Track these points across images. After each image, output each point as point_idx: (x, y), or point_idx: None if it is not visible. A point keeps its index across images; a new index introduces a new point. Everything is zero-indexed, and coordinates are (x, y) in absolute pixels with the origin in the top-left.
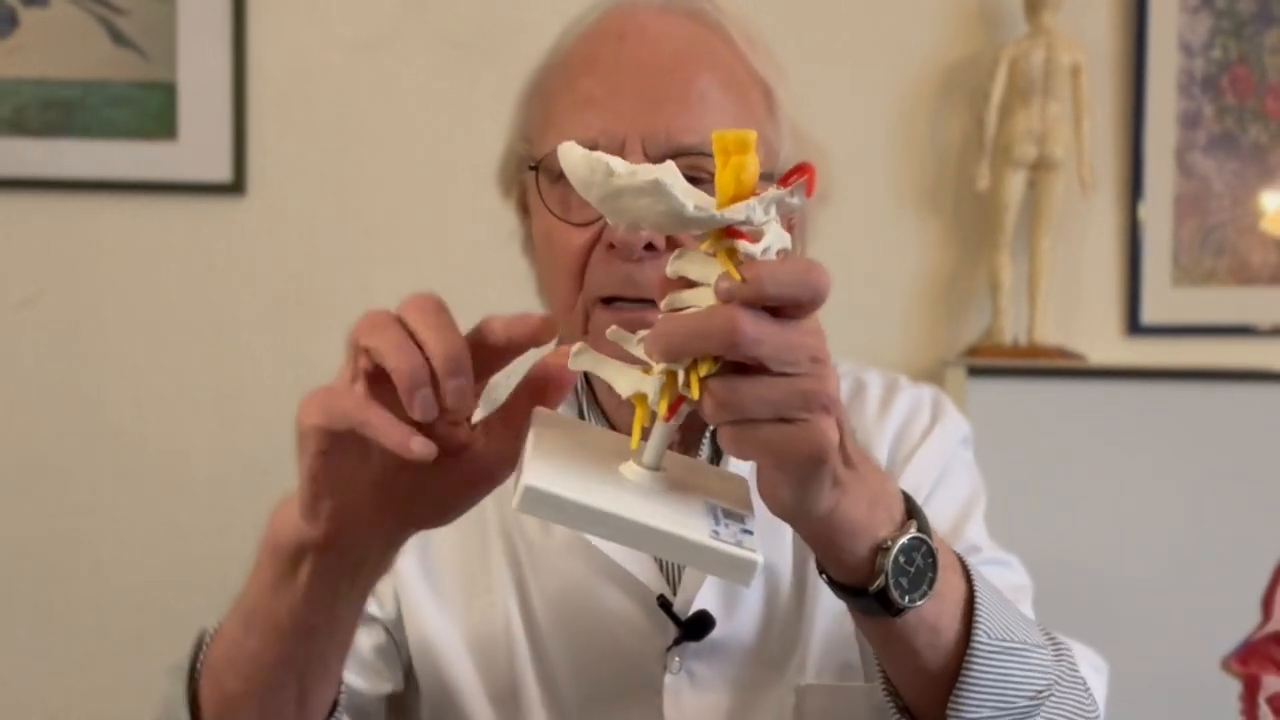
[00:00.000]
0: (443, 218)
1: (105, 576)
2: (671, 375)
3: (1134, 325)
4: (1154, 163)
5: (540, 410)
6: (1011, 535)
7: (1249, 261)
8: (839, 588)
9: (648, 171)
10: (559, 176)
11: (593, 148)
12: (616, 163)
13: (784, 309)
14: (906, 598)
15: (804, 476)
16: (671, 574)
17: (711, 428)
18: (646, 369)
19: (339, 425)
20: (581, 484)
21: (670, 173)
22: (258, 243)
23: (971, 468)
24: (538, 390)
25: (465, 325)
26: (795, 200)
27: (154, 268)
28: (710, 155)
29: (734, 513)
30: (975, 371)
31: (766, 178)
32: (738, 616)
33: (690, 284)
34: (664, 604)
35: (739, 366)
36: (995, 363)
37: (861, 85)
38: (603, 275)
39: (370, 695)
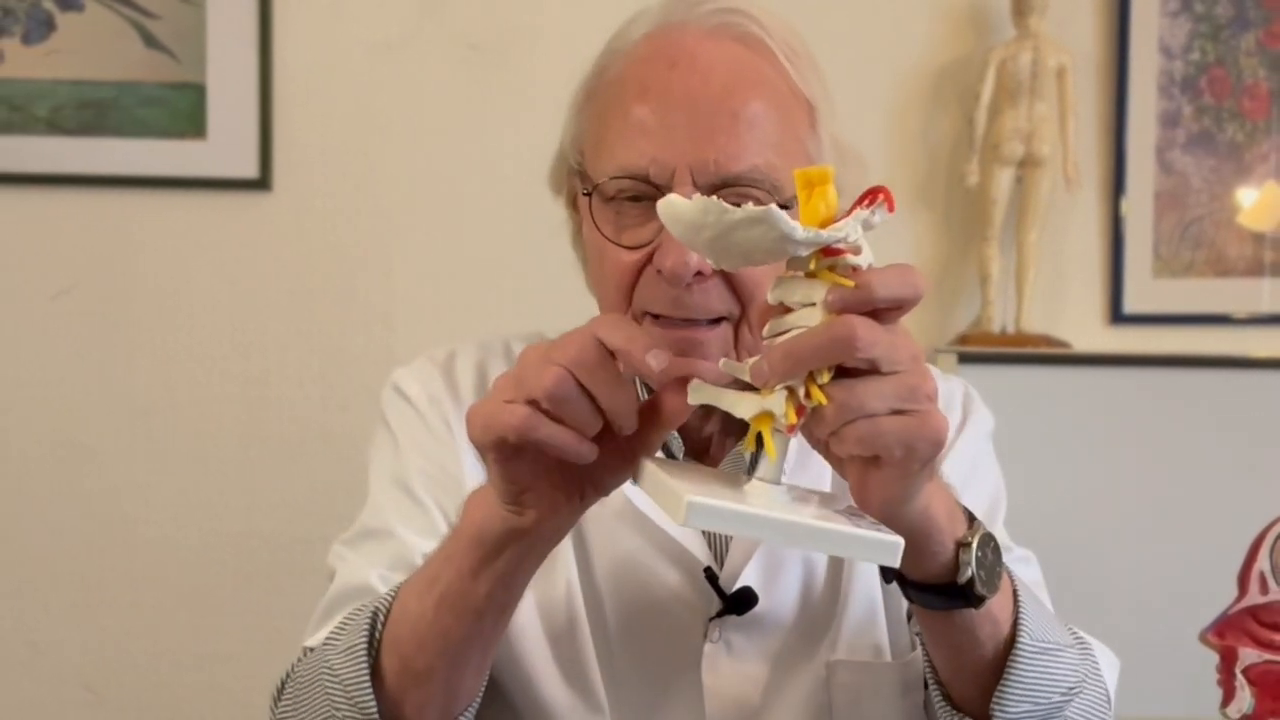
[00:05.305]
0: (460, 212)
1: (138, 554)
2: (790, 391)
3: (1116, 314)
4: (1135, 160)
5: (643, 459)
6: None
7: (1226, 254)
8: (917, 588)
9: (750, 207)
10: (611, 198)
11: (644, 176)
12: (722, 203)
13: (884, 313)
14: (986, 589)
15: (921, 465)
16: (718, 548)
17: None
18: (760, 392)
19: (511, 440)
20: (728, 495)
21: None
22: (283, 236)
23: (994, 463)
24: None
25: (482, 318)
26: (878, 218)
27: (184, 260)
28: (755, 184)
29: (854, 510)
30: (965, 358)
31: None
32: (777, 594)
33: (787, 310)
34: (710, 577)
35: (847, 375)
36: (984, 350)
37: (857, 87)
38: (652, 295)
39: None
